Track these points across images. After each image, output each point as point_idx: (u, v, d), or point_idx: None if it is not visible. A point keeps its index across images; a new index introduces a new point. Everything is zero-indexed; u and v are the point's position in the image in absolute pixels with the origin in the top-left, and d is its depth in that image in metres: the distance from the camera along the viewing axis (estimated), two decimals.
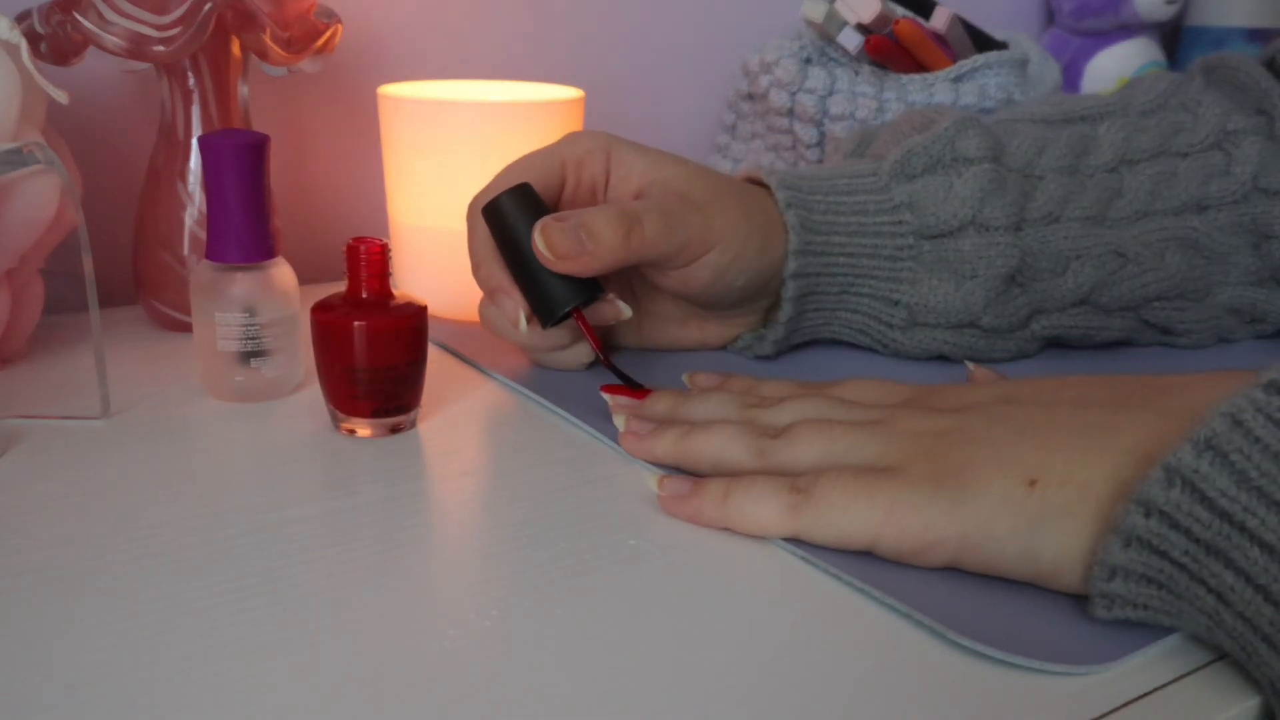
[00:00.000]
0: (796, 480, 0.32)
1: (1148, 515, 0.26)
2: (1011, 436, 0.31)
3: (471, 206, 0.43)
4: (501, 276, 0.42)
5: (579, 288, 0.41)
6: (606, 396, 0.41)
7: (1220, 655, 0.28)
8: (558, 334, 0.44)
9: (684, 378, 0.44)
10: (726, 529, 0.33)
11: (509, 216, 0.41)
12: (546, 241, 0.40)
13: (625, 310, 0.44)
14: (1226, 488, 0.25)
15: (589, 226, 0.40)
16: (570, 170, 0.44)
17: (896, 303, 0.47)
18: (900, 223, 0.46)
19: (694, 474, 0.36)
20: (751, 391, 0.41)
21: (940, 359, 0.49)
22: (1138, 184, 0.48)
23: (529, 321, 0.42)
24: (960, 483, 0.30)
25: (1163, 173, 0.49)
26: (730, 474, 0.34)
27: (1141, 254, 0.48)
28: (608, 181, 0.45)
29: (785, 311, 0.46)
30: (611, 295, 0.43)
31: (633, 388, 0.41)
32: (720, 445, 0.35)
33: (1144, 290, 0.48)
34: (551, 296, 0.41)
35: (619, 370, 0.42)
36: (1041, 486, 0.29)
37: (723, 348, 0.50)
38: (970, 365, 0.45)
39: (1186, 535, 0.26)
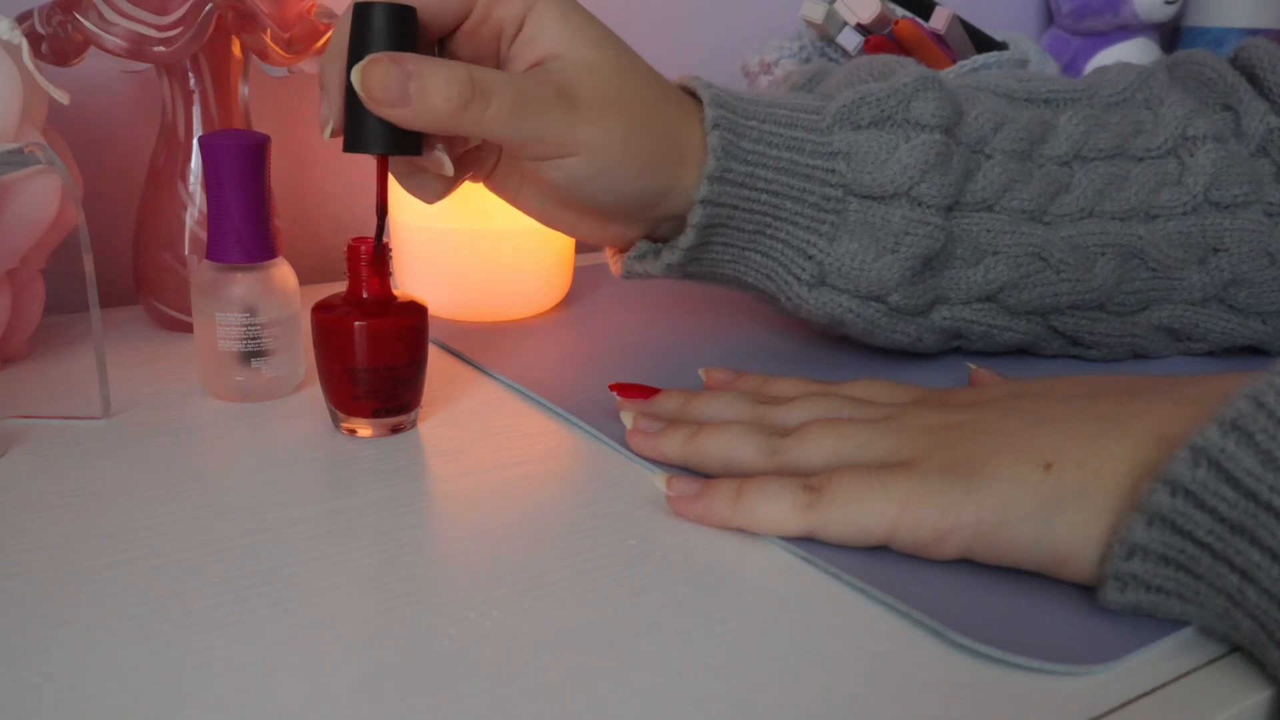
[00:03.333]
0: (810, 479, 0.32)
1: (1174, 494, 0.26)
2: (1026, 427, 0.31)
3: None
4: (333, 77, 0.37)
5: (397, 137, 0.36)
6: (615, 394, 0.41)
7: (1219, 655, 0.28)
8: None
9: (700, 372, 0.44)
10: (737, 529, 0.33)
11: (370, 29, 0.35)
12: (365, 79, 0.34)
13: (446, 164, 0.38)
14: (1252, 467, 0.25)
15: (423, 80, 0.35)
16: (482, 3, 0.38)
17: (810, 257, 0.44)
18: (833, 171, 0.43)
19: (702, 474, 0.36)
20: (762, 390, 0.41)
21: (915, 356, 0.48)
22: (1087, 182, 0.46)
23: (334, 135, 0.38)
24: (975, 470, 0.30)
25: (1114, 174, 0.47)
26: (740, 474, 0.34)
27: (1065, 260, 0.46)
28: (518, 34, 0.39)
29: (688, 238, 0.42)
30: (438, 145, 0.38)
31: (378, 247, 0.38)
32: (730, 444, 0.35)
33: (1055, 299, 0.46)
34: (364, 130, 0.36)
35: (381, 226, 0.38)
36: (1057, 470, 0.29)
37: (622, 250, 0.46)
38: (971, 365, 0.45)
39: (1212, 514, 0.26)
